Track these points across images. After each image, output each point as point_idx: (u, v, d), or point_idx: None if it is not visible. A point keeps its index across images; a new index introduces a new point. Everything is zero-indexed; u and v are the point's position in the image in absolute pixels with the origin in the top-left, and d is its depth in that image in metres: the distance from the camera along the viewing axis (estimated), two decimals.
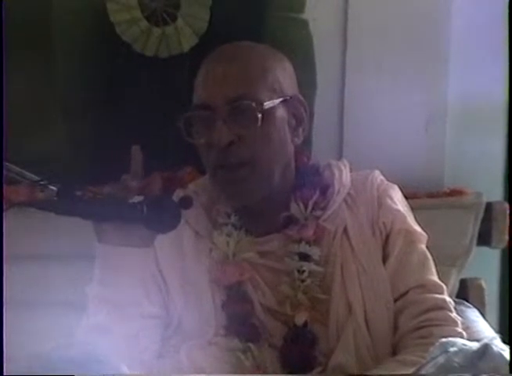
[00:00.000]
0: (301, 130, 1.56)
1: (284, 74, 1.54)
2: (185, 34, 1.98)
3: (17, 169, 1.32)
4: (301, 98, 1.56)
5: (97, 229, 1.41)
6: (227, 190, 1.53)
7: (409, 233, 1.56)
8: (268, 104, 1.49)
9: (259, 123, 1.47)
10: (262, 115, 1.48)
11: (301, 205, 1.55)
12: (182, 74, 1.97)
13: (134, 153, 1.42)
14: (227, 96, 1.48)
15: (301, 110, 1.56)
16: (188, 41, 1.98)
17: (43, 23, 1.98)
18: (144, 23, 1.98)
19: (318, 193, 1.56)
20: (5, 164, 1.32)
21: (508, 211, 1.95)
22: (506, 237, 1.96)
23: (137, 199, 1.36)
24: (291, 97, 1.54)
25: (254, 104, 1.47)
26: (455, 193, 1.97)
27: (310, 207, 1.55)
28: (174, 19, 1.99)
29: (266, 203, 1.54)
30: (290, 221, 1.56)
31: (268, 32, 2.00)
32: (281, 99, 1.51)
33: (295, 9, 2.01)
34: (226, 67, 1.50)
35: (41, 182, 1.33)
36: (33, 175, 1.33)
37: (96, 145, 2.03)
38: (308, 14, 2.01)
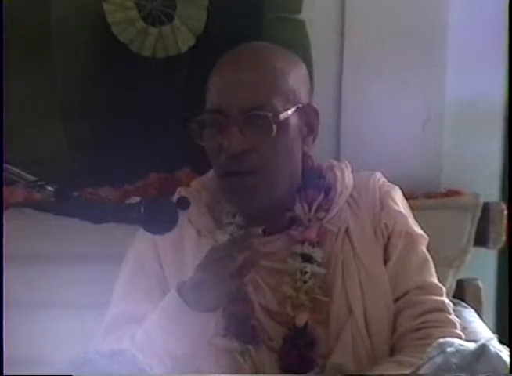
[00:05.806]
0: (311, 138, 1.56)
1: (299, 81, 1.54)
2: (182, 34, 1.97)
3: (14, 170, 1.31)
4: (314, 106, 1.55)
5: (186, 283, 1.43)
6: (233, 196, 1.53)
7: (410, 235, 1.56)
8: (283, 115, 1.48)
9: (274, 134, 1.47)
10: (277, 126, 1.47)
11: (306, 206, 1.55)
12: (180, 75, 1.97)
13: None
14: (243, 105, 1.47)
15: (314, 118, 1.56)
16: (185, 42, 1.98)
17: (43, 23, 1.98)
18: (140, 24, 1.98)
19: (322, 194, 1.56)
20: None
21: (505, 212, 1.95)
22: (503, 238, 1.96)
23: (134, 200, 1.35)
24: (305, 105, 1.53)
25: (270, 115, 1.47)
26: (452, 193, 1.97)
27: (314, 209, 1.55)
28: (170, 19, 1.98)
29: (272, 205, 1.54)
30: (294, 222, 1.56)
31: (265, 32, 1.99)
32: (295, 108, 1.51)
33: (292, 10, 2.01)
34: (243, 73, 1.50)
35: (38, 183, 1.32)
36: (29, 176, 1.33)
37: (94, 145, 2.02)
38: (305, 14, 2.00)
